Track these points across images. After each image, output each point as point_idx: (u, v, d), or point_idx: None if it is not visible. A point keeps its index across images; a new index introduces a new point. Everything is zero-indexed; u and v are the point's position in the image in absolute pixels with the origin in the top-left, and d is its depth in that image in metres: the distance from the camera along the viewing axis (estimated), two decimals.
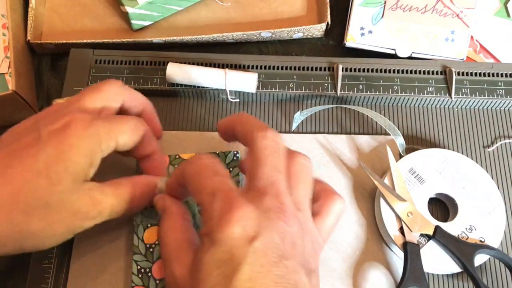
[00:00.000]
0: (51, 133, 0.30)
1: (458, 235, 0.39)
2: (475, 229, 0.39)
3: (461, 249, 0.37)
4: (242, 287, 0.25)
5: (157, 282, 0.36)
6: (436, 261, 0.38)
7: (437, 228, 0.38)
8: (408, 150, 0.43)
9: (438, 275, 0.39)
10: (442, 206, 0.42)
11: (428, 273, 0.39)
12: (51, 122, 0.31)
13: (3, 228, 0.29)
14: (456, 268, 0.38)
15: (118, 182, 0.33)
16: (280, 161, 0.29)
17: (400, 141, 0.43)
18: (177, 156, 0.40)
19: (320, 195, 0.32)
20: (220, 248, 0.26)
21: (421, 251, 0.38)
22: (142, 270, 0.37)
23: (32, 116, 0.33)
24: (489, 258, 0.39)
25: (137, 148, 0.35)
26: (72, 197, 0.30)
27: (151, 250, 0.37)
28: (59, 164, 0.30)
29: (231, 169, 0.40)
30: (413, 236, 0.38)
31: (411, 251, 0.37)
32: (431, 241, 0.38)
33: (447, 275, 0.39)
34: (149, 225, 0.38)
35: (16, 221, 0.29)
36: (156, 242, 0.37)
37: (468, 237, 0.39)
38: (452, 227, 0.39)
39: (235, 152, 0.40)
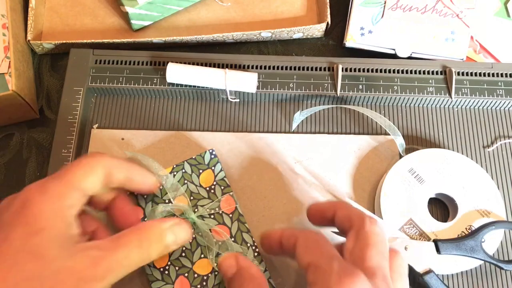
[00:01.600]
0: (13, 215, 0.29)
1: (458, 235, 0.39)
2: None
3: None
4: None
5: None
6: (438, 262, 0.38)
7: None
8: (408, 150, 0.43)
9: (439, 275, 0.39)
10: (442, 206, 0.42)
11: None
12: (8, 206, 0.30)
13: None
14: (458, 269, 0.38)
15: (120, 234, 0.31)
16: (387, 249, 0.31)
17: (400, 141, 0.43)
18: (156, 173, 0.40)
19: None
20: None
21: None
22: None
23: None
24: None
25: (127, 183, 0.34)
26: (68, 263, 0.28)
27: (166, 272, 0.37)
28: (34, 237, 0.28)
29: (213, 167, 0.40)
30: (421, 265, 0.37)
31: (429, 281, 0.37)
32: (431, 240, 0.38)
33: (448, 275, 0.40)
34: None
35: None
36: (169, 263, 0.37)
37: None
38: (452, 228, 0.39)
39: (211, 151, 0.41)
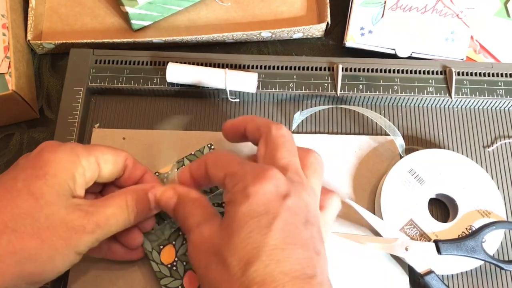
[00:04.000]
0: (27, 159, 0.32)
1: (459, 235, 0.39)
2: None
3: None
4: (277, 236, 0.27)
5: None
6: (438, 262, 0.38)
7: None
8: (408, 151, 0.43)
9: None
10: (442, 207, 0.42)
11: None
12: (28, 154, 0.32)
13: None
14: (459, 269, 0.38)
15: (109, 195, 0.33)
16: (295, 148, 0.32)
17: (399, 141, 0.43)
18: (156, 173, 0.40)
19: (321, 191, 0.33)
20: (255, 200, 0.28)
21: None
22: None
23: None
24: None
25: (128, 173, 0.36)
26: (61, 210, 0.30)
27: (174, 268, 0.37)
28: (38, 179, 0.30)
29: None
30: (422, 265, 0.37)
31: (430, 281, 0.37)
32: (431, 240, 0.38)
33: (448, 275, 0.39)
34: (161, 247, 0.38)
35: (7, 241, 0.28)
36: (176, 259, 0.38)
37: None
38: (452, 228, 0.39)
39: (210, 145, 0.42)
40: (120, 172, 0.35)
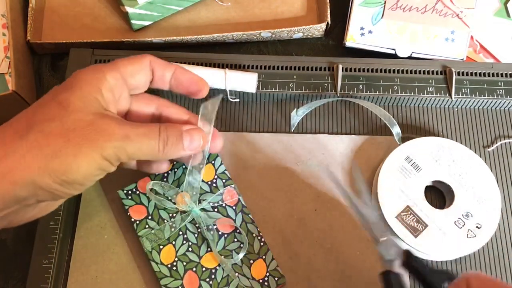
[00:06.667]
0: (60, 85, 0.32)
1: (455, 221, 0.39)
2: (472, 216, 0.39)
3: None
4: None
5: None
6: (435, 248, 0.38)
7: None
8: (404, 139, 0.43)
9: (436, 261, 0.39)
10: (439, 194, 0.42)
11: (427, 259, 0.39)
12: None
13: (16, 145, 0.28)
14: (455, 255, 0.38)
15: (144, 124, 0.33)
16: None
17: (396, 130, 0.43)
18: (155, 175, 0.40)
19: None
20: None
21: (419, 237, 0.38)
22: None
23: None
24: None
25: (158, 76, 0.36)
26: (89, 116, 0.30)
27: (174, 268, 0.38)
28: (65, 92, 0.31)
29: (213, 161, 0.41)
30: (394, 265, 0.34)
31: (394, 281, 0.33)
32: (428, 226, 0.38)
33: (446, 262, 0.39)
34: (161, 247, 0.38)
35: (33, 138, 0.29)
36: (176, 259, 0.38)
37: (465, 224, 0.39)
38: (448, 214, 0.39)
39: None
40: (149, 77, 0.36)
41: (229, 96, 0.44)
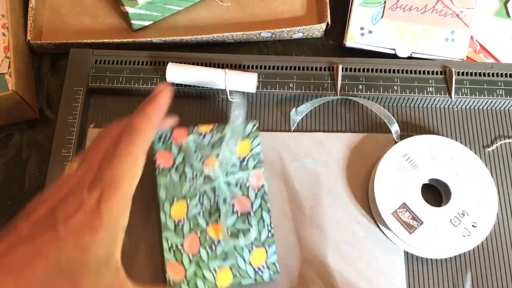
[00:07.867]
0: (68, 230, 0.27)
1: (451, 220, 0.39)
2: (468, 215, 0.39)
3: None
4: None
5: (191, 257, 0.37)
6: (429, 245, 0.38)
7: None
8: (403, 137, 0.43)
9: (432, 259, 0.40)
10: (435, 192, 0.42)
11: (422, 257, 0.40)
12: (66, 214, 0.28)
13: None
14: (450, 253, 0.38)
15: None
16: None
17: (395, 128, 0.43)
18: (194, 128, 0.40)
19: None
20: None
21: (413, 234, 0.38)
22: (174, 246, 0.37)
23: (45, 196, 0.29)
24: None
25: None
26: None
27: (180, 226, 0.38)
28: (77, 263, 0.27)
29: (252, 140, 0.40)
30: None
31: None
32: (423, 224, 0.39)
33: (441, 260, 0.40)
34: (175, 199, 0.38)
35: None
36: (185, 218, 0.38)
37: (460, 222, 0.39)
38: (444, 212, 0.39)
39: (254, 123, 0.41)
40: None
41: (229, 96, 0.44)
